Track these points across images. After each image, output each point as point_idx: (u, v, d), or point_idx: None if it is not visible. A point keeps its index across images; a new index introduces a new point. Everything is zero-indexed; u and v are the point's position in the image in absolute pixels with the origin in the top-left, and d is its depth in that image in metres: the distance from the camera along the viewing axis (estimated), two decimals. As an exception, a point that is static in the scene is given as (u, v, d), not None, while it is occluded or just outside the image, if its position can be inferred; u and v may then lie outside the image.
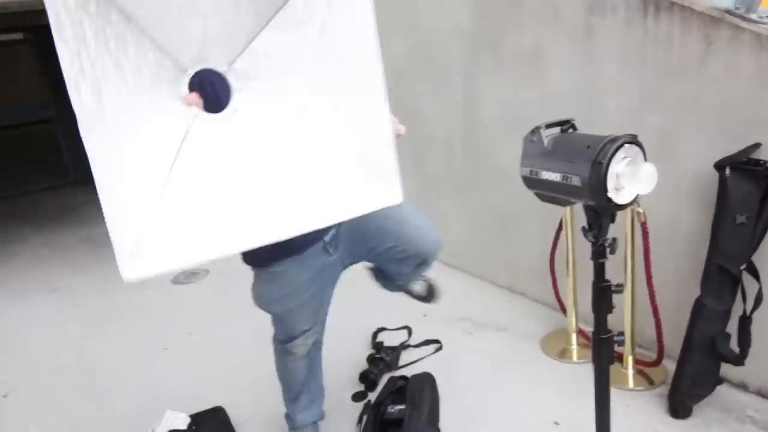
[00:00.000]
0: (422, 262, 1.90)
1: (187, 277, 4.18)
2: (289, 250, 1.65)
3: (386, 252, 1.83)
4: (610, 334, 1.17)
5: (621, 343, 1.16)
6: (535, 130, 1.16)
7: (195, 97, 0.95)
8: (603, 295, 1.14)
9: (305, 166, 0.97)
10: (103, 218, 0.85)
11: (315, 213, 0.98)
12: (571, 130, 1.18)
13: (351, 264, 1.94)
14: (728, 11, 2.08)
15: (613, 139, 1.01)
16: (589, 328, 2.06)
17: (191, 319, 3.49)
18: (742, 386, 2.31)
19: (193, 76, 0.94)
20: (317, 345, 2.09)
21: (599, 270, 1.14)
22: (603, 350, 1.16)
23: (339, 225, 1.70)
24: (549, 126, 1.16)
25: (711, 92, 2.16)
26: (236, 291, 3.85)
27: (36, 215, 6.25)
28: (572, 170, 1.05)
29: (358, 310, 3.33)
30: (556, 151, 1.12)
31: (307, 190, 0.97)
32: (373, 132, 0.97)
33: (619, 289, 1.12)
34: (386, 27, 3.55)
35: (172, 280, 4.13)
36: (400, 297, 3.13)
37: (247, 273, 4.13)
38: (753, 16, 2.04)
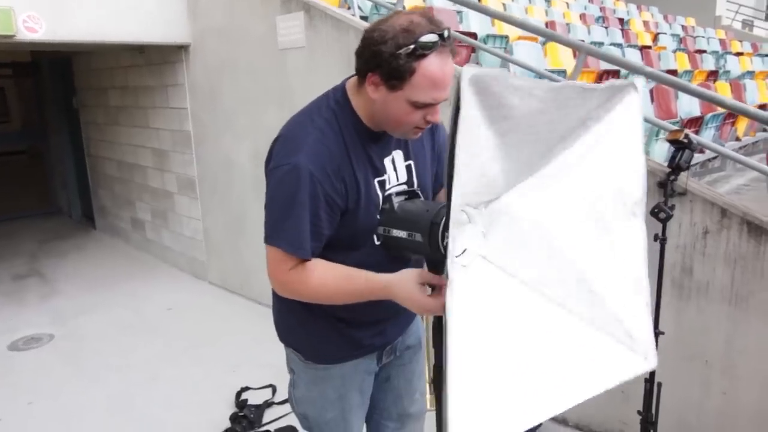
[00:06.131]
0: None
1: (26, 342, 3.83)
2: (360, 351, 1.49)
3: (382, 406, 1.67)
4: (447, 365, 1.39)
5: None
6: (389, 197, 1.40)
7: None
8: (440, 330, 1.38)
9: (566, 327, 0.95)
10: None
11: (572, 383, 0.95)
12: (414, 198, 1.45)
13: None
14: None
15: (445, 206, 1.28)
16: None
17: (32, 388, 3.21)
18: (563, 422, 2.69)
19: None
20: None
21: (438, 318, 1.36)
22: (441, 378, 1.39)
23: (403, 339, 1.60)
24: (398, 194, 1.42)
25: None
26: (87, 356, 3.66)
27: None
28: (416, 228, 1.30)
29: (221, 369, 3.33)
30: (403, 214, 1.37)
31: (567, 355, 0.95)
32: (629, 293, 0.97)
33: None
34: (264, 99, 3.72)
35: (9, 346, 3.76)
36: (264, 356, 3.19)
37: (100, 337, 3.91)
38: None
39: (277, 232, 1.25)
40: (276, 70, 3.67)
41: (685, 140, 2.13)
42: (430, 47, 1.11)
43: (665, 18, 10.75)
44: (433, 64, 1.13)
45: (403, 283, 1.19)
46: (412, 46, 1.10)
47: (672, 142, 2.17)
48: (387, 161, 1.35)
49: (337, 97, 1.30)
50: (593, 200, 1.02)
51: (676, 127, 2.41)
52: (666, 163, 2.22)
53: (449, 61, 1.16)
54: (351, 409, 1.53)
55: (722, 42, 9.54)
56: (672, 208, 2.10)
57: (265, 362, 3.19)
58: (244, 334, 3.71)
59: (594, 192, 1.03)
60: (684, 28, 10.21)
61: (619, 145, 1.03)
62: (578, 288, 0.99)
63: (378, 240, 1.36)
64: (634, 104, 1.02)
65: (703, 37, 9.49)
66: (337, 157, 1.24)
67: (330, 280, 1.27)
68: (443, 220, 1.25)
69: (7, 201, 7.25)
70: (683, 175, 2.21)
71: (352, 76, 1.31)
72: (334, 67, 3.31)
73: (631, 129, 1.03)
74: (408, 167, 1.39)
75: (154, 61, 4.77)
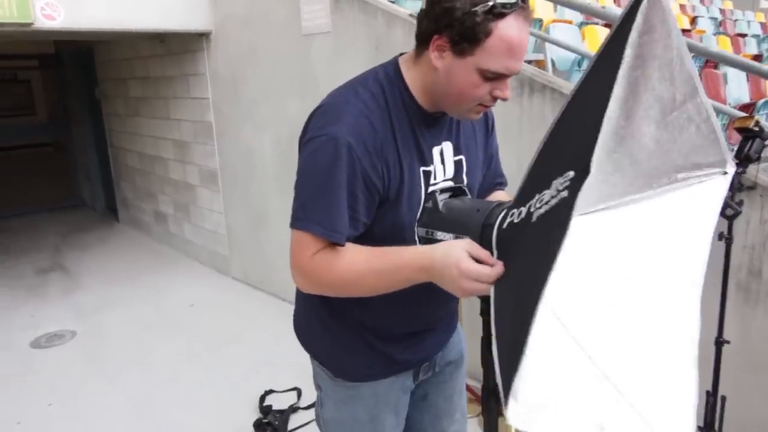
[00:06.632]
0: None
1: (49, 339, 3.76)
2: (395, 367, 1.33)
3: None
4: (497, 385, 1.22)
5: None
6: (432, 194, 1.23)
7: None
8: (490, 348, 1.19)
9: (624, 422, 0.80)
10: None
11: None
12: (461, 196, 1.28)
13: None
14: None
15: (500, 204, 1.10)
16: (475, 384, 2.16)
17: (52, 388, 3.13)
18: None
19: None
20: None
21: (487, 326, 1.19)
22: (491, 401, 1.21)
23: (444, 354, 1.44)
24: (443, 191, 1.24)
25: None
26: (109, 354, 3.57)
27: None
28: (464, 231, 1.12)
29: (245, 369, 3.21)
30: (450, 214, 1.19)
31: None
32: (678, 389, 0.82)
33: (507, 343, 1.19)
34: (286, 88, 3.54)
35: (31, 344, 3.70)
36: (288, 355, 3.06)
37: (122, 333, 3.83)
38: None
39: (307, 213, 1.08)
40: (299, 57, 3.51)
41: (756, 128, 1.91)
42: (510, 6, 0.97)
43: (701, 1, 10.30)
44: (512, 27, 0.98)
45: (450, 248, 1.00)
46: (490, 3, 0.96)
47: (740, 130, 1.95)
48: (435, 151, 1.18)
49: (388, 71, 1.14)
50: (657, 271, 0.84)
51: (742, 114, 2.18)
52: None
53: (527, 27, 1.01)
54: None
55: (763, 26, 9.11)
56: (740, 203, 1.88)
57: (288, 362, 3.05)
58: (267, 331, 3.59)
59: (660, 261, 0.85)
60: (722, 11, 9.77)
61: (693, 224, 0.86)
62: (643, 382, 0.80)
63: (420, 243, 1.20)
64: (720, 189, 0.86)
65: (742, 20, 9.07)
66: (380, 134, 1.08)
67: (360, 262, 1.08)
68: (497, 221, 1.07)
69: (32, 194, 7.26)
70: (752, 168, 2.00)
71: (401, 54, 1.16)
72: (360, 53, 3.13)
73: (708, 213, 0.86)
74: (458, 163, 1.22)
75: (175, 50, 4.65)
